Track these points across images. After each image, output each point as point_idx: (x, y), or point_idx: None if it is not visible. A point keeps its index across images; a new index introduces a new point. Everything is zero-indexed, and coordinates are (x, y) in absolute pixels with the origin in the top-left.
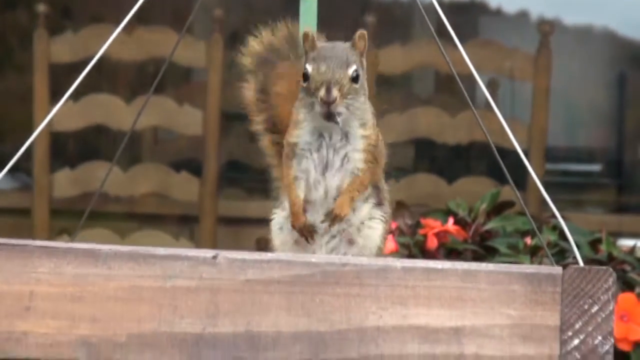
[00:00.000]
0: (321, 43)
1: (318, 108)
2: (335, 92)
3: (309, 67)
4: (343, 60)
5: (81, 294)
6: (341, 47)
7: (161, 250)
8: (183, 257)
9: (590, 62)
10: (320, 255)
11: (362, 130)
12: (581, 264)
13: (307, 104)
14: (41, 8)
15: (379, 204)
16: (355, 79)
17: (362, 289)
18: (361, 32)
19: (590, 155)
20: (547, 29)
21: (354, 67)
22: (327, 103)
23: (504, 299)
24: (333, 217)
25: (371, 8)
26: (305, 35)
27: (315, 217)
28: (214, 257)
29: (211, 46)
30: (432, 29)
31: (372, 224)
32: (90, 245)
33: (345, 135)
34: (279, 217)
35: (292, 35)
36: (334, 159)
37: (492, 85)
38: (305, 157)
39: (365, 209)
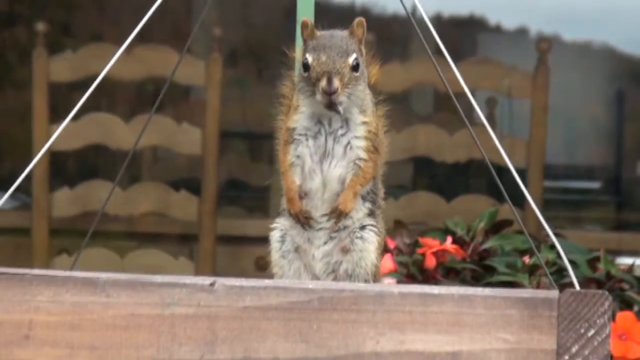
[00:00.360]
0: (320, 32)
1: (319, 97)
2: (336, 83)
3: (309, 57)
4: (343, 50)
5: (80, 322)
6: (340, 35)
7: (159, 278)
8: (181, 284)
9: (589, 78)
10: (317, 281)
11: (362, 116)
12: (577, 286)
13: (307, 91)
14: (40, 27)
15: (372, 214)
16: (355, 67)
17: (359, 315)
18: (359, 19)
19: (590, 172)
20: (545, 46)
21: (354, 56)
22: (329, 93)
23: (501, 324)
24: (338, 214)
25: (370, 26)
26: (304, 24)
27: (312, 207)
28: (212, 284)
29: (210, 65)
30: (428, 48)
31: (364, 234)
32: (89, 273)
33: (346, 122)
34: (280, 227)
35: None
36: (335, 148)
37: (490, 103)
38: (302, 143)
39: (361, 212)
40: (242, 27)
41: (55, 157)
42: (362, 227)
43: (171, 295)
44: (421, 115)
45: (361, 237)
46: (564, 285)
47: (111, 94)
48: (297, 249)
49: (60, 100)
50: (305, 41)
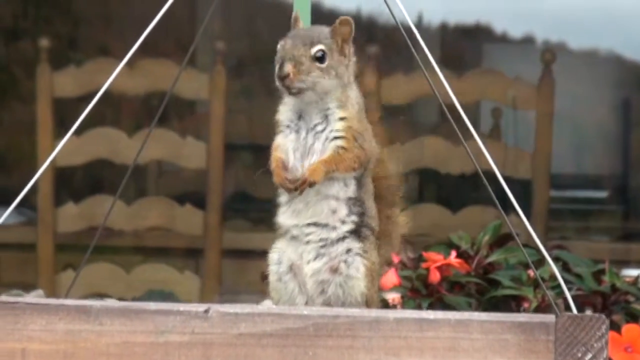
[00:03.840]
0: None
1: (277, 83)
2: (288, 68)
3: (279, 44)
4: (309, 40)
5: (73, 351)
6: (318, 29)
7: (152, 305)
8: (175, 311)
9: (596, 86)
10: (312, 307)
11: (341, 111)
12: (573, 308)
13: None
14: (44, 42)
15: (358, 232)
16: (319, 59)
17: (354, 341)
18: (344, 17)
19: (597, 182)
20: (549, 57)
21: (318, 47)
22: (280, 78)
23: (497, 349)
24: (302, 181)
25: (374, 38)
26: (295, 18)
27: (296, 212)
28: (206, 311)
29: (214, 78)
30: (419, 59)
31: (349, 258)
32: (82, 301)
33: (325, 117)
34: (278, 249)
35: None
36: (315, 145)
37: (495, 114)
38: (285, 136)
39: (346, 225)
40: (246, 39)
41: (60, 172)
42: (348, 250)
43: (165, 322)
44: (426, 126)
45: (345, 261)
46: (564, 302)
47: (116, 109)
48: (291, 268)
49: (66, 115)
50: None
